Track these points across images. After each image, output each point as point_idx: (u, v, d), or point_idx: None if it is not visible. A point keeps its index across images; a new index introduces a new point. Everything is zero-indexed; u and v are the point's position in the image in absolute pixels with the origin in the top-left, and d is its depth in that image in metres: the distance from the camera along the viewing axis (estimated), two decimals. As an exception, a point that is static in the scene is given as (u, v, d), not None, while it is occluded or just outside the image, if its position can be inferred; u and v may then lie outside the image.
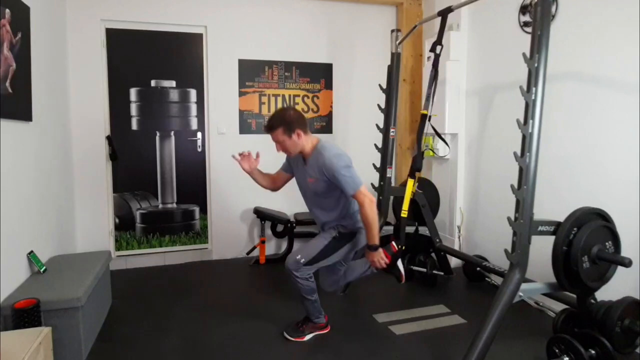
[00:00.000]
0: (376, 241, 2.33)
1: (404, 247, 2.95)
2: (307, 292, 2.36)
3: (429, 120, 3.22)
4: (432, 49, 3.09)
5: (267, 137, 4.01)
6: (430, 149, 3.71)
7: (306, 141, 2.34)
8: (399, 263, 2.61)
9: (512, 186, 2.06)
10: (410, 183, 3.10)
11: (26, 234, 2.40)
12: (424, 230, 3.37)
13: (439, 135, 3.35)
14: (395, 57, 3.37)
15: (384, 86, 3.45)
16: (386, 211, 3.32)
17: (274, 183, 2.61)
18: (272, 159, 4.21)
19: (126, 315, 2.78)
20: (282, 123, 2.28)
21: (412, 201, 3.21)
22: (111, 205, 3.72)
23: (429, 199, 3.35)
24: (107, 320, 2.68)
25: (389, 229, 3.32)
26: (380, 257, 2.35)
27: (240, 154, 2.51)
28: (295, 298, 2.95)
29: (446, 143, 3.43)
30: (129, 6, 3.58)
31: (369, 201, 2.25)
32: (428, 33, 4.03)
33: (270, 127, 2.32)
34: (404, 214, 3.08)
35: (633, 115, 2.31)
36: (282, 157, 2.58)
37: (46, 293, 2.12)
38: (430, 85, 3.10)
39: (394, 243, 2.58)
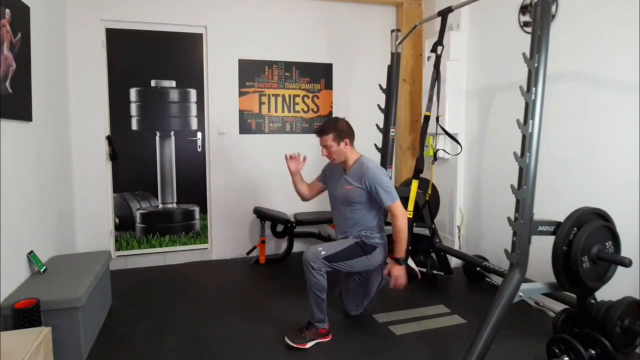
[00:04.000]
0: (403, 254, 2.39)
1: (410, 248, 2.97)
2: (318, 288, 2.35)
3: (437, 121, 3.21)
4: (433, 50, 3.08)
5: (266, 137, 4.07)
6: (432, 148, 3.69)
7: (351, 152, 2.50)
8: (410, 262, 2.63)
9: (512, 186, 2.05)
10: (415, 184, 3.10)
11: (26, 234, 2.40)
12: (423, 230, 3.37)
13: (449, 135, 3.32)
14: (395, 57, 3.37)
15: (384, 86, 3.44)
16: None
17: (309, 190, 2.72)
18: (265, 156, 4.19)
19: (126, 315, 2.78)
20: (334, 130, 2.42)
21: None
22: (111, 205, 3.72)
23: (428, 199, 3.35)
24: (107, 320, 2.68)
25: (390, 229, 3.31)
26: (403, 274, 2.39)
27: (290, 155, 2.65)
28: (295, 298, 2.95)
29: (458, 142, 3.36)
30: (129, 6, 3.58)
31: (403, 214, 2.39)
32: (428, 33, 4.03)
33: (322, 131, 2.45)
34: (409, 214, 3.08)
35: (633, 115, 2.31)
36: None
37: (46, 293, 2.12)
38: (432, 86, 3.09)
39: None
